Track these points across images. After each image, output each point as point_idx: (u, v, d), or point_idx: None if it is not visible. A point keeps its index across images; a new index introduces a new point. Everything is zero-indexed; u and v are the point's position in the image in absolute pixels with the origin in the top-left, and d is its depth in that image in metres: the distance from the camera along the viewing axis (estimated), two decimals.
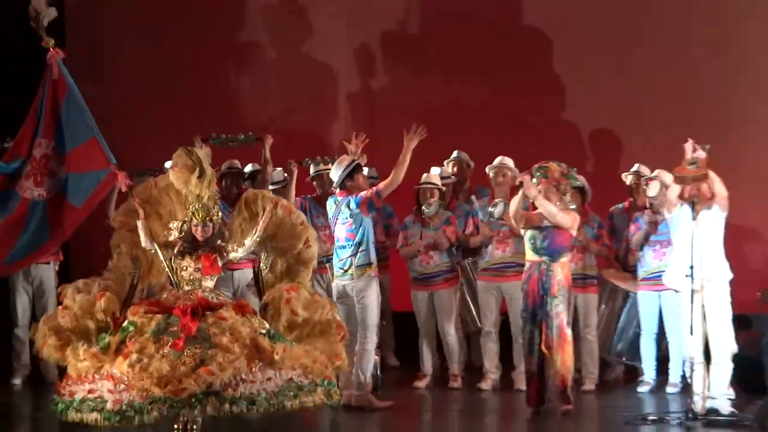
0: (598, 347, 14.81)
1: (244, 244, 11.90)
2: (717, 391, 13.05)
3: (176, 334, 11.14)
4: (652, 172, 14.26)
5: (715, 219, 13.00)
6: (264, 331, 11.37)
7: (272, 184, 14.22)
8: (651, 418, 13.13)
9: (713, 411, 12.98)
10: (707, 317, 13.04)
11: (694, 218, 12.91)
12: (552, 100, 16.82)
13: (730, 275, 13.14)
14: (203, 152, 11.89)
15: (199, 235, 11.66)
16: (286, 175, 14.45)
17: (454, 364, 14.78)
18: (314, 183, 14.56)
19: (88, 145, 12.20)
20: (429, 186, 14.55)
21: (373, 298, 13.40)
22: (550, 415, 13.05)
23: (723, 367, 13.06)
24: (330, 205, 13.46)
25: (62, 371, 11.70)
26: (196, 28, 17.04)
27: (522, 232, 13.06)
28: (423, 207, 14.53)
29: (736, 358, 13.16)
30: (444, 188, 14.65)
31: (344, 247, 13.31)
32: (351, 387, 13.06)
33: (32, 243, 12.40)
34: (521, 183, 13.08)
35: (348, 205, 13.24)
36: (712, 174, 12.87)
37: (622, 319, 14.93)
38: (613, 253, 14.83)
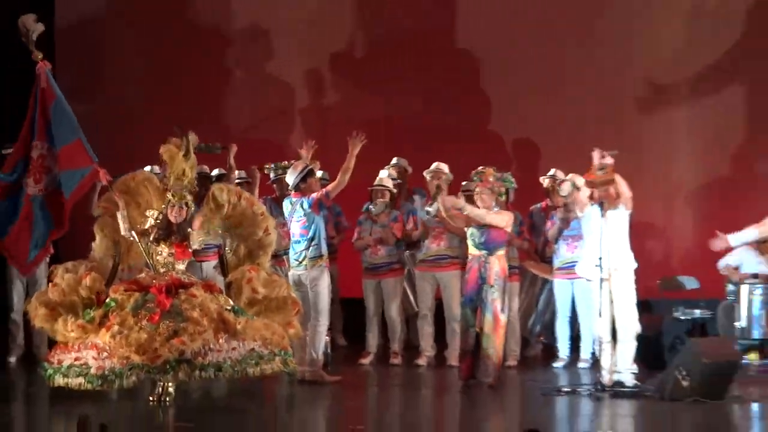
0: (519, 328, 14.90)
1: (209, 232, 12.22)
2: (622, 366, 13.14)
3: (152, 309, 11.46)
4: (566, 175, 14.32)
5: (620, 217, 13.10)
6: (229, 307, 11.69)
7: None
8: (565, 389, 13.22)
9: (619, 383, 13.07)
10: (614, 302, 13.14)
11: (602, 216, 13.02)
12: (480, 113, 16.87)
13: (635, 265, 13.25)
14: (193, 138, 12.11)
15: (173, 217, 11.93)
16: (245, 174, 14.48)
17: (396, 343, 14.86)
18: (274, 186, 14.64)
19: (74, 145, 12.31)
20: (380, 188, 14.64)
21: (324, 286, 13.49)
22: (478, 388, 13.12)
23: (627, 345, 13.15)
24: (286, 205, 13.58)
25: (51, 347, 11.78)
26: (181, 51, 16.99)
27: (465, 229, 13.17)
28: (370, 206, 14.62)
29: (639, 338, 13.25)
30: (395, 190, 14.71)
31: (299, 242, 13.42)
32: (305, 364, 13.11)
33: (41, 238, 12.46)
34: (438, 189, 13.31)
35: (302, 206, 13.36)
36: (618, 177, 12.97)
37: (540, 303, 15.07)
38: (533, 247, 14.95)
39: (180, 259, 11.97)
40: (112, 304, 11.60)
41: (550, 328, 15.03)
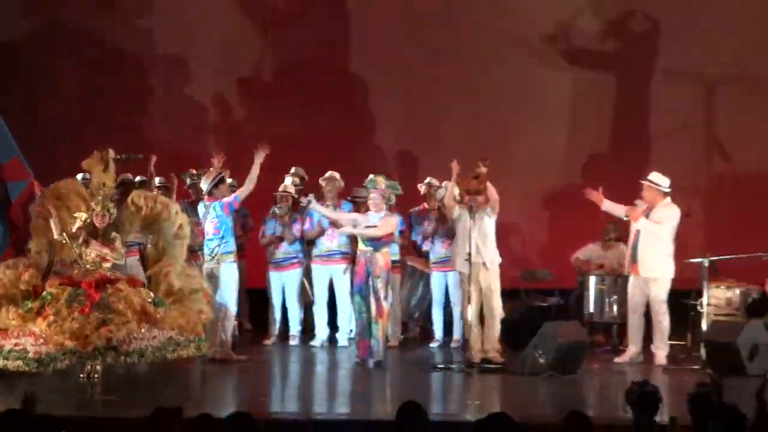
0: (401, 313, 14.98)
1: (130, 233, 12.49)
2: (489, 346, 13.31)
3: (83, 302, 11.61)
4: (440, 183, 14.44)
5: (488, 218, 13.26)
6: (150, 299, 11.78)
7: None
8: (439, 366, 13.38)
9: (486, 361, 13.26)
10: (482, 291, 13.30)
11: (471, 218, 13.16)
12: (368, 128, 16.89)
13: (500, 260, 13.42)
14: (111, 156, 12.28)
15: (98, 222, 12.04)
16: (164, 180, 14.46)
17: (295, 327, 14.90)
18: (190, 190, 14.63)
19: (14, 162, 12.48)
20: (283, 194, 14.69)
21: (233, 278, 13.59)
22: (366, 365, 13.22)
23: (494, 329, 13.33)
24: (200, 208, 13.65)
25: None
26: (109, 74, 16.93)
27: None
28: (275, 208, 14.69)
29: (503, 322, 13.43)
30: (296, 195, 14.75)
31: (212, 239, 13.47)
32: (216, 345, 13.13)
33: (2, 239, 12.54)
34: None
35: (214, 208, 13.45)
36: (489, 185, 13.13)
37: (419, 292, 15.14)
38: (412, 244, 15.01)
39: (105, 262, 12.05)
40: (48, 297, 11.71)
41: (427, 314, 15.12)
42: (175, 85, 17.08)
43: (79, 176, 13.19)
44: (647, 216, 13.55)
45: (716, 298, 13.85)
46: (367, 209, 13.40)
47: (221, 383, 12.71)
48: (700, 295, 13.69)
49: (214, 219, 13.48)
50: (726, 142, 16.48)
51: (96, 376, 11.54)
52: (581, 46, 16.64)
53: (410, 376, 13.31)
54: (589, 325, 14.39)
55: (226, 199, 13.45)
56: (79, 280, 11.84)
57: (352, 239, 13.79)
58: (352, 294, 13.52)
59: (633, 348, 13.65)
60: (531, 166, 16.16)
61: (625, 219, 13.86)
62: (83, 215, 12.10)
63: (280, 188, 14.75)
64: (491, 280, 13.37)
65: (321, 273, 14.70)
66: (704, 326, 13.46)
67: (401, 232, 14.65)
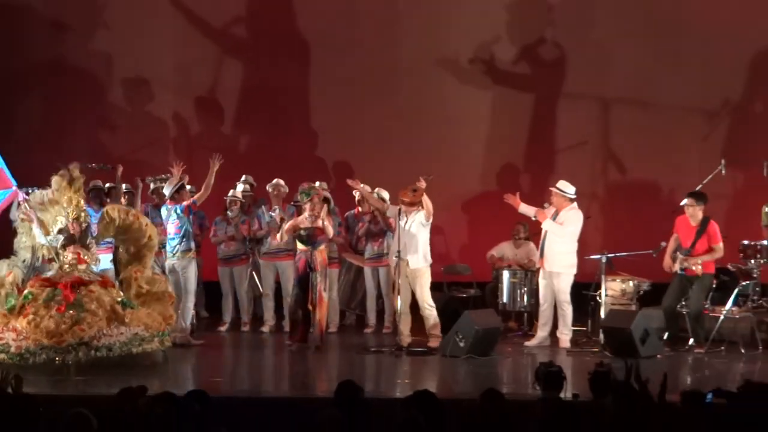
0: (339, 303, 14.96)
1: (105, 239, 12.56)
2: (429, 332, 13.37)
3: (60, 302, 11.67)
4: (373, 190, 14.43)
5: (419, 222, 13.31)
6: (120, 300, 11.82)
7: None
8: (373, 349, 13.37)
9: (414, 344, 13.28)
10: (412, 284, 13.33)
11: (399, 219, 13.21)
12: (310, 141, 16.80)
13: (430, 259, 13.46)
14: (76, 172, 12.25)
15: (71, 229, 11.99)
16: (130, 186, 14.38)
17: (245, 315, 14.86)
18: (153, 195, 14.55)
19: None
20: (233, 198, 14.66)
21: (192, 272, 13.58)
22: (308, 349, 13.22)
23: (427, 319, 13.35)
24: (163, 210, 13.65)
25: None
26: (79, 93, 16.82)
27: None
28: (228, 211, 14.66)
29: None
30: (244, 200, 14.73)
31: (173, 238, 13.47)
32: (176, 331, 13.07)
33: None
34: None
35: (176, 211, 13.45)
36: (425, 197, 13.17)
37: (356, 284, 15.12)
38: (348, 242, 14.99)
39: (81, 263, 12.03)
40: (29, 296, 11.75)
41: (362, 303, 15.10)
42: (138, 103, 16.97)
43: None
44: (554, 218, 13.62)
45: (613, 290, 13.92)
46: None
47: (181, 364, 12.67)
48: (598, 287, 13.80)
49: (176, 220, 13.47)
50: (620, 155, 16.58)
51: (71, 367, 11.51)
52: (499, 69, 16.64)
53: (347, 359, 13.34)
54: (502, 313, 14.41)
55: (185, 203, 13.45)
56: (56, 281, 11.83)
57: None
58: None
59: (541, 333, 13.71)
60: (453, 174, 16.13)
61: (534, 219, 13.92)
62: (63, 219, 12.10)
63: (230, 193, 14.71)
64: (422, 274, 13.41)
65: (268, 268, 14.66)
66: (602, 314, 13.56)
67: (339, 233, 14.66)
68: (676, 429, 6.84)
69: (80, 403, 7.48)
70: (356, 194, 14.63)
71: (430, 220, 13.43)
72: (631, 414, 7.40)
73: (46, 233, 12.09)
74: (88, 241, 12.15)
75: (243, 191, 14.84)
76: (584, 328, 14.03)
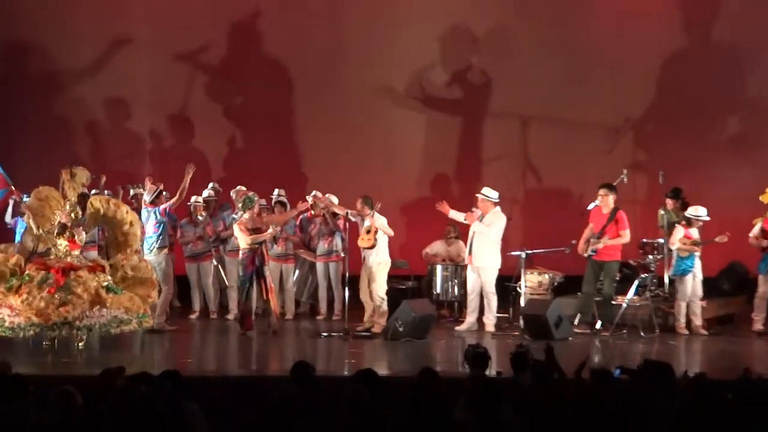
0: (294, 294, 14.90)
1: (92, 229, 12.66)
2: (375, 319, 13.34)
3: (51, 284, 11.53)
4: (323, 195, 14.40)
5: (377, 223, 13.34)
6: (105, 284, 11.58)
7: None
8: (324, 334, 13.31)
9: (365, 329, 13.26)
10: (370, 278, 13.31)
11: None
12: (270, 154, 16.75)
13: (388, 259, 13.54)
14: (78, 168, 12.30)
15: (64, 219, 11.91)
16: (111, 193, 14.26)
17: (212, 305, 14.76)
18: (132, 200, 14.42)
19: None
20: (197, 204, 14.54)
21: (169, 267, 13.48)
22: (266, 333, 13.15)
23: (377, 308, 13.32)
24: (144, 213, 13.49)
25: None
26: (67, 112, 16.89)
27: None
28: (198, 216, 14.57)
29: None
30: (206, 204, 14.64)
31: (151, 237, 13.37)
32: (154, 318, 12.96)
33: None
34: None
35: (155, 213, 13.35)
36: (380, 226, 13.41)
37: (309, 277, 15.04)
38: (302, 241, 14.91)
39: (73, 249, 11.90)
40: (27, 278, 11.65)
41: (315, 294, 15.04)
42: (118, 120, 16.89)
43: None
44: (481, 220, 13.64)
45: (531, 282, 13.97)
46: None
47: (156, 347, 12.58)
48: (518, 279, 13.83)
49: (155, 221, 13.35)
50: (537, 166, 16.65)
51: (56, 343, 11.55)
52: (433, 93, 16.68)
53: (301, 342, 13.30)
54: (436, 302, 14.41)
55: (162, 207, 13.37)
56: (51, 266, 11.73)
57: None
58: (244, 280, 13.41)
59: (469, 319, 13.72)
60: (393, 183, 16.18)
61: (465, 222, 13.92)
62: (60, 213, 12.00)
63: (193, 199, 14.54)
64: (379, 266, 13.41)
65: (232, 263, 14.55)
66: (522, 303, 13.60)
67: (294, 232, 14.64)
68: (587, 401, 6.86)
69: (66, 381, 7.39)
70: (309, 199, 14.59)
71: (388, 234, 13.50)
72: (546, 388, 7.43)
73: (42, 227, 11.98)
74: (76, 231, 12.04)
75: (207, 196, 14.74)
76: (506, 315, 14.05)
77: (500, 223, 13.66)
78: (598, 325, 13.30)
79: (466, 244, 13.98)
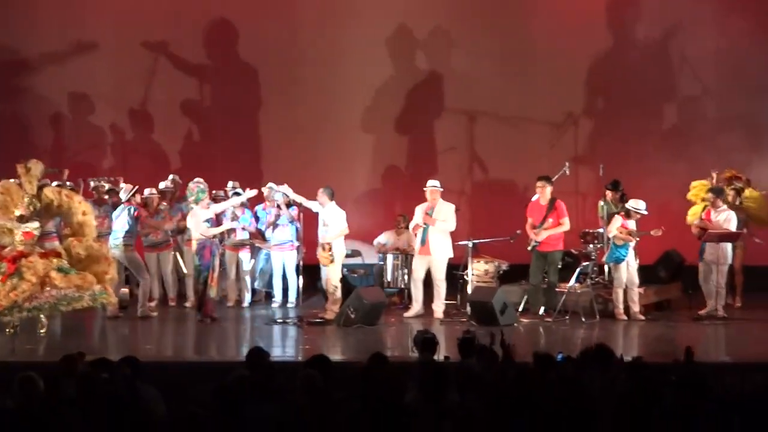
0: (250, 281, 14.80)
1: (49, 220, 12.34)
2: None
3: (4, 273, 11.48)
4: (278, 186, 14.38)
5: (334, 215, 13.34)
6: (56, 267, 11.58)
7: None
8: (278, 321, 13.27)
9: (311, 316, 13.21)
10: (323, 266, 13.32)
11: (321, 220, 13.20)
12: (227, 148, 16.69)
13: (343, 250, 13.43)
14: (33, 162, 12.08)
15: (23, 211, 11.81)
16: (72, 185, 14.13)
17: (170, 293, 14.64)
18: (93, 192, 14.29)
19: None
20: (151, 195, 14.35)
21: (136, 259, 13.45)
22: (217, 320, 13.09)
23: (332, 295, 13.29)
24: (118, 210, 13.44)
25: None
26: (29, 107, 16.72)
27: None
28: (160, 206, 14.47)
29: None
30: (159, 195, 14.49)
31: (119, 232, 13.30)
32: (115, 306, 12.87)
33: None
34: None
35: (129, 211, 13.31)
36: (338, 234, 13.40)
37: (263, 265, 14.96)
38: (258, 231, 14.81)
39: (27, 239, 11.77)
40: None
41: (269, 282, 14.96)
42: (80, 114, 16.75)
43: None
44: (431, 212, 13.63)
45: (477, 270, 13.98)
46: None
47: (116, 335, 12.47)
48: (466, 267, 13.84)
49: (126, 217, 13.27)
50: (484, 159, 16.71)
51: (15, 330, 11.47)
52: (387, 90, 16.72)
53: (257, 329, 13.22)
54: (387, 290, 14.38)
55: (140, 212, 13.41)
56: (4, 256, 11.66)
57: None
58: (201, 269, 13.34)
59: (416, 306, 13.71)
60: (347, 176, 16.19)
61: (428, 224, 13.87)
62: (20, 205, 11.85)
63: (147, 192, 14.36)
64: (335, 254, 13.41)
65: (190, 253, 14.41)
66: (469, 290, 13.60)
67: (251, 223, 14.55)
68: (530, 384, 6.86)
69: (28, 367, 7.32)
70: (264, 190, 14.52)
71: (342, 228, 13.51)
72: (491, 372, 7.43)
73: (4, 219, 11.87)
74: (33, 221, 11.93)
75: (164, 187, 14.59)
76: (454, 302, 14.06)
77: (453, 212, 13.68)
78: (542, 311, 13.35)
79: (415, 234, 13.94)
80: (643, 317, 13.36)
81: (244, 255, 14.60)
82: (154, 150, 16.43)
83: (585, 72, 16.46)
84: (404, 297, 14.74)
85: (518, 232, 13.68)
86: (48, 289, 11.45)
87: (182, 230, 14.53)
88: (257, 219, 14.83)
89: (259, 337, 12.46)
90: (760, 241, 14.25)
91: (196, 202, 13.24)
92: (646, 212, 13.48)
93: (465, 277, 13.87)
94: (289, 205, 14.34)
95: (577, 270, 13.51)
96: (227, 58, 16.85)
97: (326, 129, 16.67)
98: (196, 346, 12.30)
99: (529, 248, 13.43)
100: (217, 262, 13.16)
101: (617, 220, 13.40)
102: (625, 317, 13.32)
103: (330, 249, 13.36)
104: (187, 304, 14.44)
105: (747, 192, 14.40)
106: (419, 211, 13.74)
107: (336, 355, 10.88)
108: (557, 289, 13.47)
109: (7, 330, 11.44)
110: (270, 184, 14.61)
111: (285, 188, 14.10)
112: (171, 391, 7.42)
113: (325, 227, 13.50)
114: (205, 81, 16.84)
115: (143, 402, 6.88)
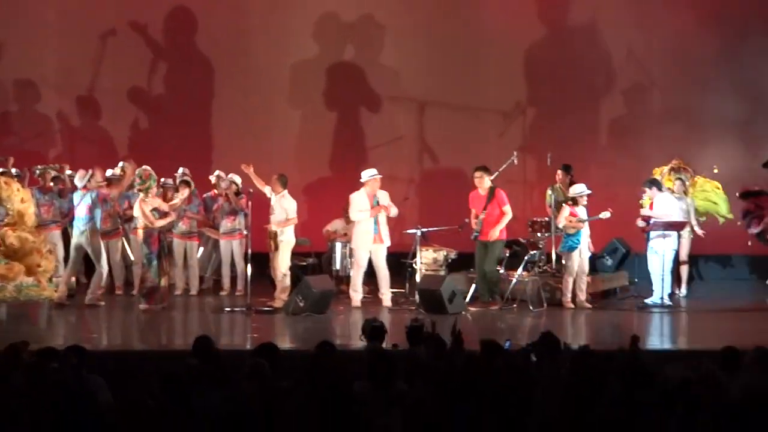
0: (199, 269, 14.72)
1: None
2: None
3: None
4: (226, 175, 14.31)
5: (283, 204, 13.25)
6: None
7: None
8: (227, 309, 13.22)
9: (261, 305, 13.13)
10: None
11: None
12: (177, 135, 16.46)
13: (292, 238, 13.38)
14: None
15: None
16: (18, 171, 13.96)
17: (136, 279, 14.41)
18: (39, 179, 14.13)
19: None
20: (99, 183, 14.21)
21: (99, 246, 13.24)
22: (164, 309, 13.03)
23: (281, 282, 13.23)
24: (77, 195, 13.29)
25: None
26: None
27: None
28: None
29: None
30: (107, 182, 14.35)
31: (83, 219, 13.16)
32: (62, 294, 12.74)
33: None
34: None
35: (91, 196, 13.13)
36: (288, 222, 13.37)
37: (213, 254, 14.88)
38: (206, 219, 14.72)
39: None
40: None
41: (219, 270, 14.87)
42: (26, 101, 16.54)
43: None
44: (377, 202, 13.60)
45: (426, 258, 14.00)
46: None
47: (63, 323, 12.33)
48: (414, 255, 13.85)
49: (88, 204, 13.13)
50: (433, 147, 16.74)
51: None
52: (334, 79, 16.69)
53: (205, 317, 13.18)
54: (335, 278, 14.36)
55: (103, 193, 13.27)
56: None
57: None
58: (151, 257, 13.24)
59: (358, 296, 13.66)
60: (296, 164, 16.14)
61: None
62: None
63: (108, 171, 14.25)
64: (279, 248, 13.34)
65: (137, 241, 14.28)
66: (418, 278, 13.61)
67: (198, 211, 14.47)
68: (477, 371, 6.88)
69: None
70: (212, 179, 14.44)
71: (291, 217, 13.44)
72: (438, 359, 7.44)
73: None
74: None
75: (111, 175, 14.41)
76: (403, 290, 14.07)
77: (387, 201, 13.70)
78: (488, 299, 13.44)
79: None
80: (589, 305, 13.45)
81: (192, 244, 14.53)
82: (102, 137, 16.25)
83: (533, 61, 16.56)
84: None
85: (466, 220, 13.73)
86: None
87: (129, 219, 14.39)
88: (206, 207, 14.75)
89: (207, 326, 12.38)
90: (703, 233, 14.39)
91: (147, 191, 13.13)
92: (588, 191, 13.57)
93: (413, 265, 13.88)
94: (237, 193, 14.27)
95: (525, 258, 13.57)
96: (178, 44, 16.69)
97: (276, 118, 16.61)
98: (143, 334, 12.20)
99: (472, 237, 13.50)
100: (168, 250, 13.10)
101: (566, 210, 13.47)
102: (573, 305, 13.40)
103: (275, 237, 13.30)
104: (134, 293, 14.31)
105: (700, 181, 14.57)
106: (359, 199, 13.61)
107: (284, 344, 10.87)
108: (505, 277, 13.54)
109: None
110: (218, 172, 14.54)
111: (232, 177, 14.07)
112: (117, 380, 7.35)
113: (272, 215, 13.47)
114: (154, 68, 16.67)
115: (89, 390, 6.81)
